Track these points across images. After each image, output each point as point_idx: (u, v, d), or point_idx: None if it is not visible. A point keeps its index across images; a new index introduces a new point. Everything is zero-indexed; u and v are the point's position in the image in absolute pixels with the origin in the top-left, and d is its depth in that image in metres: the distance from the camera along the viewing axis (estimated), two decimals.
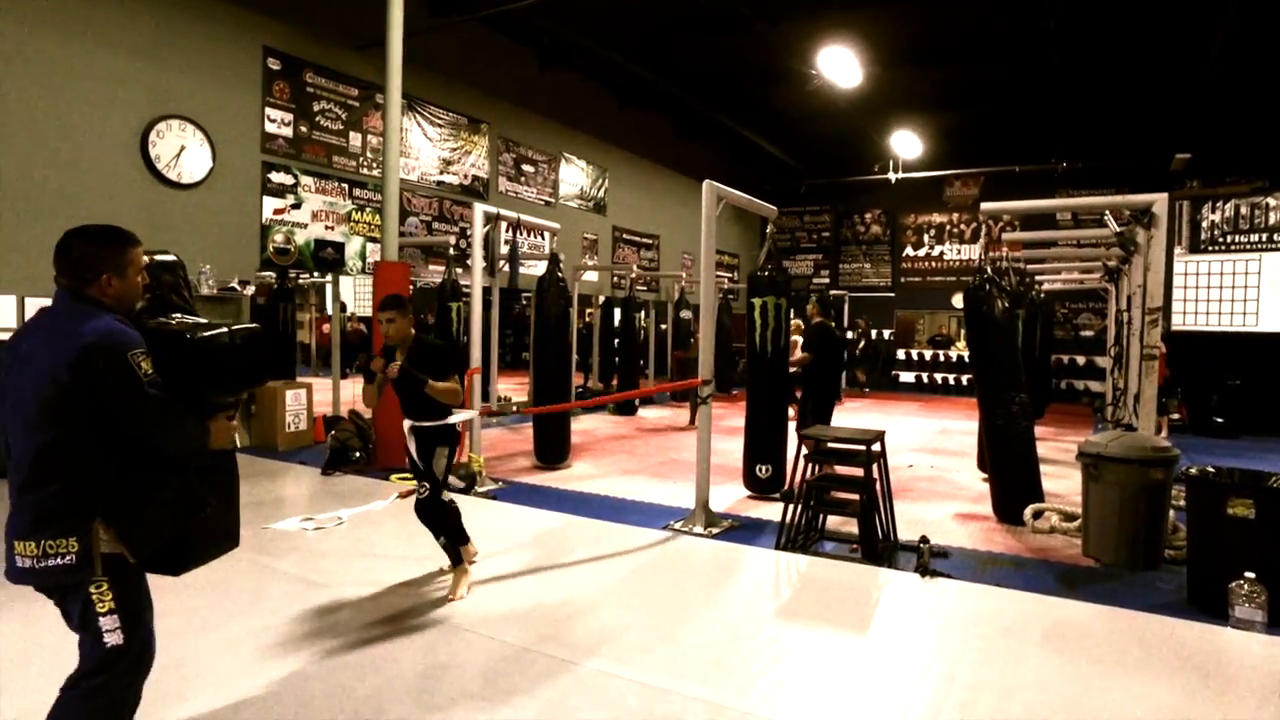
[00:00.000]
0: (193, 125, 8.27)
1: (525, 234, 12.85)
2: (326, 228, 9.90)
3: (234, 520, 2.53)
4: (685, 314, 14.61)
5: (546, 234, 13.13)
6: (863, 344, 17.93)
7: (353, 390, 8.45)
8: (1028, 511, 5.68)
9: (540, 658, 3.36)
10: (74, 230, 2.19)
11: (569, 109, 13.86)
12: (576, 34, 11.86)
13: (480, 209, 7.06)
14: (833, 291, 18.72)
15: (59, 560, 2.08)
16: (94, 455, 2.10)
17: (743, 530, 5.67)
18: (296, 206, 9.52)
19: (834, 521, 5.44)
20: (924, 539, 4.73)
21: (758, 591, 4.32)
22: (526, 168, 13.12)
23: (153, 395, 2.08)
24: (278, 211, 9.29)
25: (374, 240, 10.30)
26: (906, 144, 15.82)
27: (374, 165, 10.42)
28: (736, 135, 16.11)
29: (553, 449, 7.96)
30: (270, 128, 9.14)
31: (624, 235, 15.79)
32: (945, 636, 3.68)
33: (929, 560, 4.59)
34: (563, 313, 7.94)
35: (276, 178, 9.25)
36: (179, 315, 2.35)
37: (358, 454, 7.58)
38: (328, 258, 9.95)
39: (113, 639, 2.11)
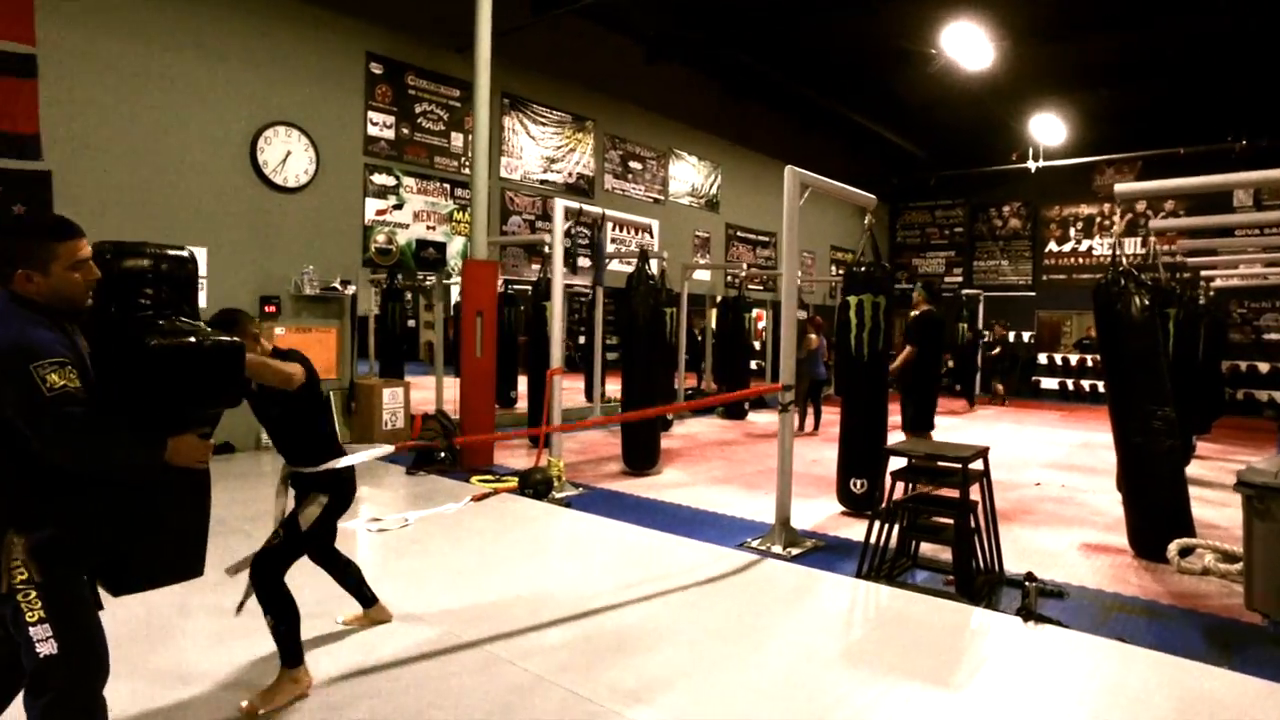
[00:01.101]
0: (298, 131, 8.51)
1: (632, 232, 12.64)
2: (428, 228, 9.99)
3: (193, 546, 2.30)
4: (801, 314, 13.93)
5: (653, 232, 12.85)
6: (998, 349, 16.51)
7: (454, 390, 8.45)
8: (1173, 547, 4.77)
9: (571, 699, 3.00)
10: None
11: (678, 103, 13.49)
12: (683, 25, 11.48)
13: (561, 204, 6.82)
14: (966, 291, 17.41)
15: None
16: (7, 466, 1.95)
17: (827, 552, 5.11)
18: (398, 207, 9.66)
19: (931, 548, 4.80)
20: (1029, 576, 4.03)
21: (828, 627, 3.78)
22: (634, 164, 12.87)
23: (57, 411, 1.88)
24: (380, 212, 9.45)
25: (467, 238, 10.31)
26: (1048, 128, 14.42)
27: (476, 165, 10.43)
28: (857, 126, 15.22)
29: (641, 454, 7.63)
30: (373, 130, 9.31)
31: (738, 233, 15.26)
32: (1043, 704, 3.03)
33: (1036, 601, 3.90)
34: (653, 312, 7.57)
35: (378, 179, 9.41)
36: (166, 320, 2.13)
37: (443, 454, 7.53)
38: (429, 258, 10.06)
39: (45, 648, 1.97)
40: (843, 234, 18.02)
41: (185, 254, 2.29)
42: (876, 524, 4.50)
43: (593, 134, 12.09)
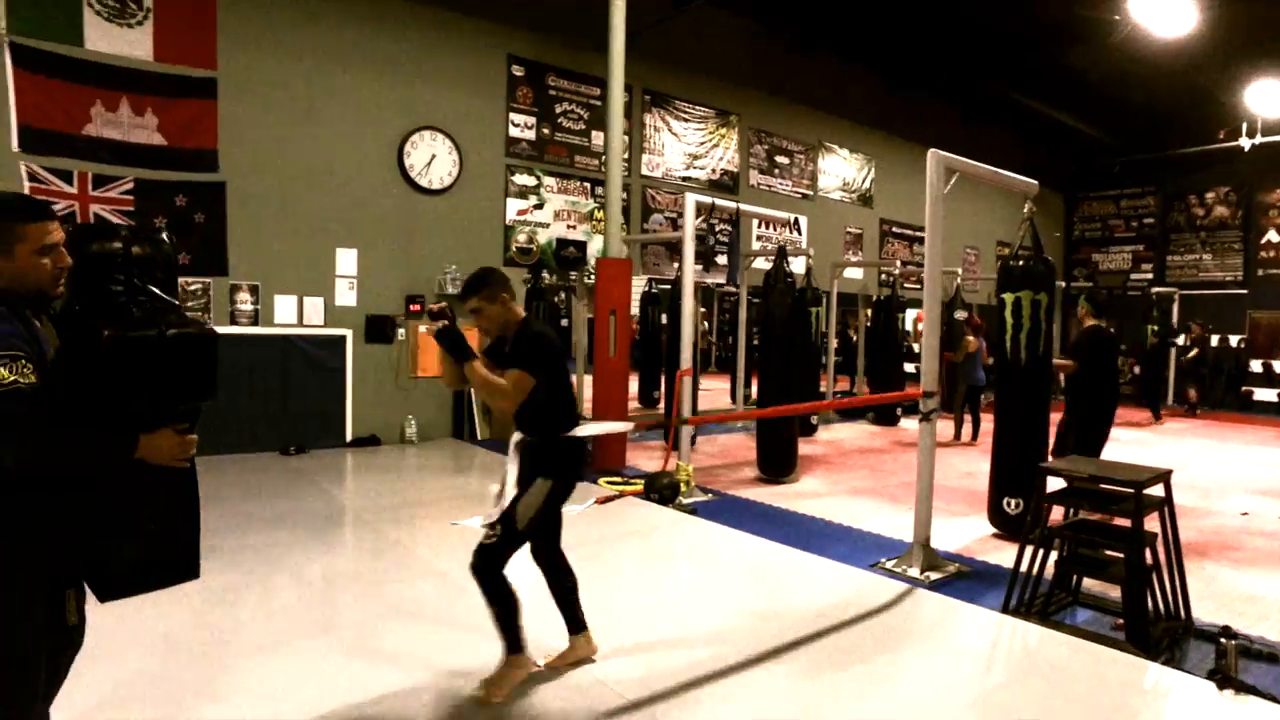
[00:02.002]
0: (442, 134, 8.79)
1: (778, 228, 12.20)
2: (568, 227, 10.07)
3: (183, 547, 2.10)
4: (960, 314, 12.92)
5: (800, 228, 12.35)
6: (1194, 351, 14.58)
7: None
8: None
9: None
10: None
11: (828, 95, 12.88)
12: (833, 12, 10.92)
13: (691, 199, 6.58)
14: (1156, 290, 15.55)
15: None
16: None
17: (971, 579, 4.56)
18: (539, 207, 9.78)
19: (1099, 584, 4.15)
20: (1227, 630, 3.35)
21: (963, 670, 3.31)
22: (780, 159, 12.42)
23: (1, 409, 1.71)
24: (520, 212, 9.61)
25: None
26: (1268, 98, 12.55)
27: None
28: (1027, 111, 13.91)
29: (776, 461, 7.26)
30: (514, 132, 9.47)
31: (893, 229, 14.41)
32: None
33: (1236, 663, 3.22)
34: (791, 311, 7.18)
35: (519, 180, 9.57)
36: (138, 307, 1.95)
37: None
38: (570, 256, 10.13)
39: None
40: (1011, 228, 16.59)
41: (162, 235, 2.14)
42: (1029, 551, 3.94)
43: (737, 129, 11.77)
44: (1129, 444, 9.64)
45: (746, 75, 11.69)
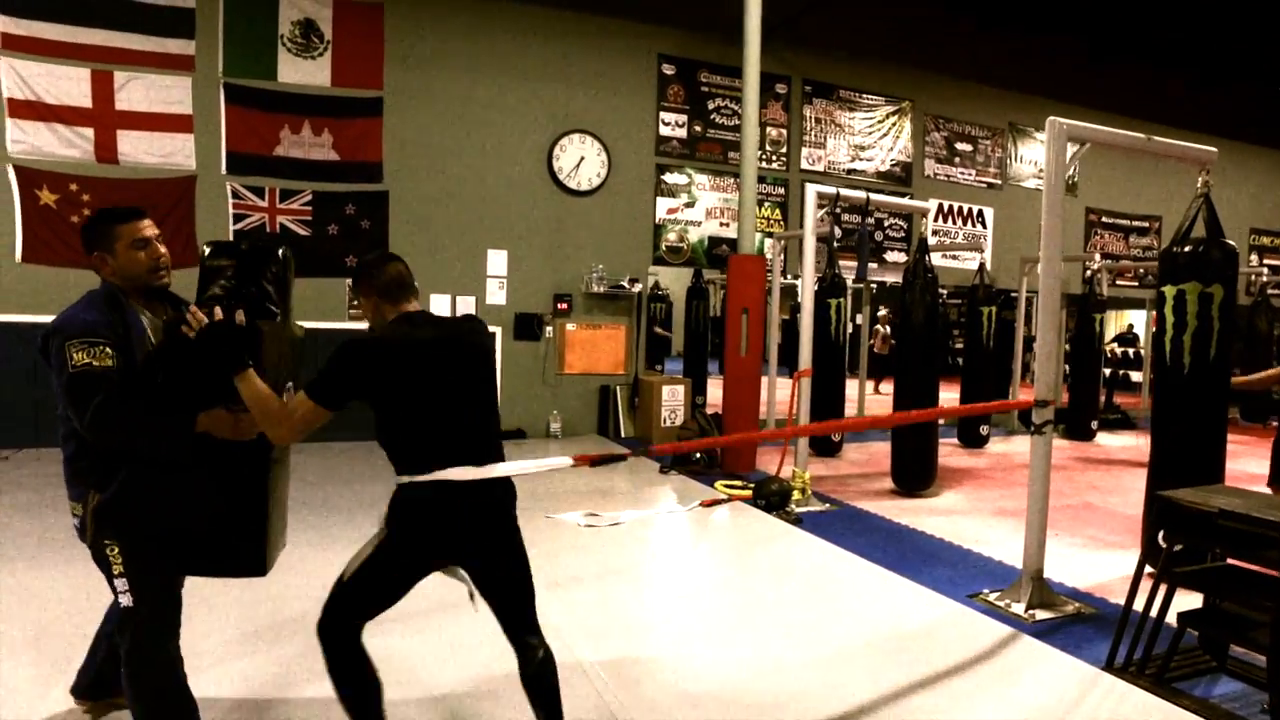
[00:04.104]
0: (591, 137, 9.01)
1: (958, 222, 11.25)
2: (721, 224, 9.92)
3: (249, 541, 2.35)
4: None
5: (985, 221, 11.31)
6: None
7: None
8: None
9: None
10: None
11: (1019, 71, 11.59)
12: None
13: (813, 190, 6.22)
14: None
15: (75, 522, 2.23)
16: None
17: (1090, 624, 3.90)
18: (690, 205, 9.72)
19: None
20: None
21: None
22: (961, 146, 11.40)
23: (74, 386, 2.05)
24: (670, 211, 9.61)
25: (770, 235, 10.00)
26: None
27: (772, 158, 10.12)
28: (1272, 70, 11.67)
29: (910, 472, 6.69)
30: (664, 131, 9.49)
31: (1102, 219, 12.72)
32: None
33: None
34: (931, 311, 6.57)
35: (670, 178, 9.57)
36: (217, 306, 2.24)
37: (699, 454, 7.38)
38: (722, 254, 9.97)
39: (125, 600, 2.18)
40: (1271, 213, 14.08)
41: (279, 252, 2.44)
42: (1144, 597, 3.29)
43: (909, 116, 10.96)
44: None
45: (921, 57, 10.83)
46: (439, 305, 8.45)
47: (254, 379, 2.12)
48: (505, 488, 2.31)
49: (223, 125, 7.62)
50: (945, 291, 15.70)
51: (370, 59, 8.07)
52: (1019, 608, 4.01)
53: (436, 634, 3.39)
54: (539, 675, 2.27)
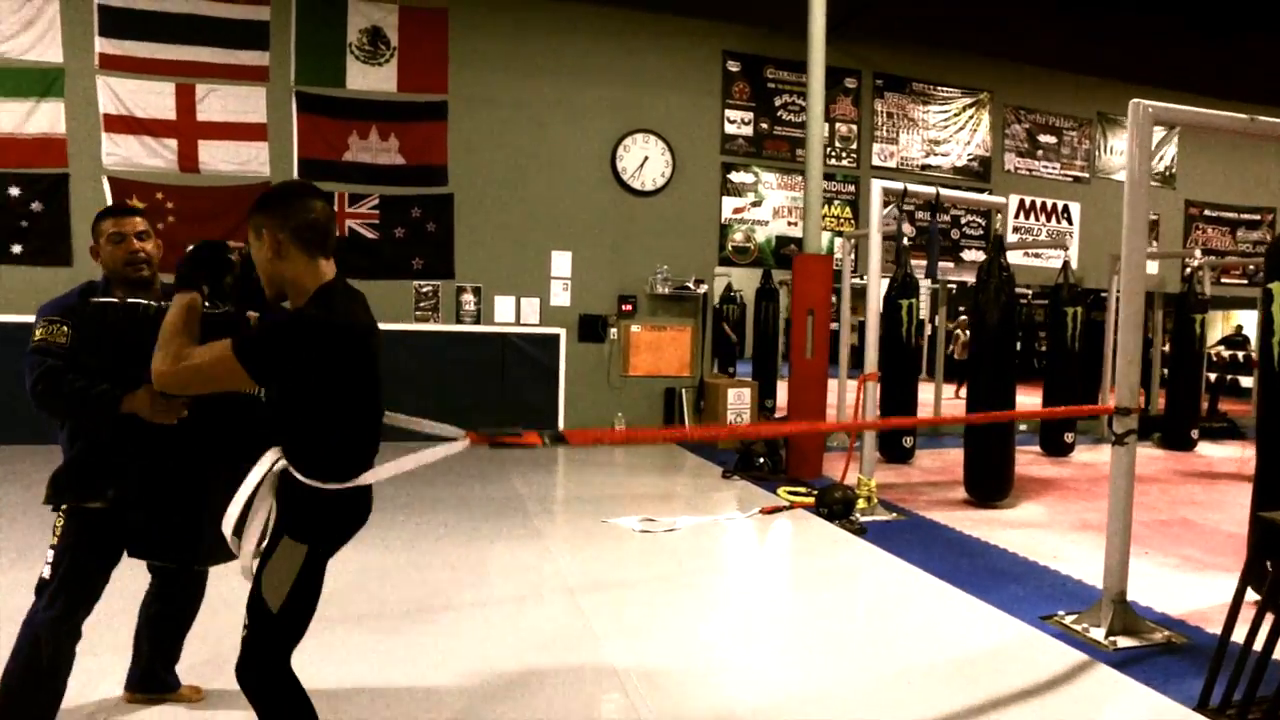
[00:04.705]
0: (655, 136, 8.92)
1: (1042, 218, 10.72)
2: (789, 223, 9.69)
3: (182, 530, 2.37)
4: None
5: (1070, 216, 10.75)
6: None
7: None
8: None
9: None
10: None
11: (1112, 55, 10.91)
12: None
13: (878, 185, 5.96)
14: None
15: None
16: None
17: (1181, 656, 3.55)
18: (757, 204, 9.53)
19: None
20: None
21: None
22: (1045, 138, 10.83)
23: (32, 357, 2.24)
24: (736, 210, 9.43)
25: (840, 234, 9.72)
26: None
27: (842, 155, 9.83)
28: None
29: (985, 482, 6.35)
30: (730, 129, 9.32)
31: (1204, 211, 11.90)
32: None
33: None
34: (1006, 312, 6.22)
35: (736, 177, 9.40)
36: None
37: (762, 460, 7.19)
38: (790, 254, 9.73)
39: (45, 570, 2.29)
40: None
41: (231, 254, 2.43)
42: (1246, 627, 2.98)
43: (988, 108, 10.48)
44: None
45: (999, 45, 10.32)
46: (503, 307, 8.51)
47: (184, 304, 1.87)
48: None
49: (294, 133, 7.85)
50: (1031, 291, 15.00)
51: (435, 63, 8.18)
52: (1098, 633, 3.70)
53: (434, 631, 3.35)
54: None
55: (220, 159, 7.68)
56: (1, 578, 3.87)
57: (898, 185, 6.06)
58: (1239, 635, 3.01)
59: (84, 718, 2.60)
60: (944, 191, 6.13)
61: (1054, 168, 10.86)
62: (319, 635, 3.18)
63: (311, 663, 3.09)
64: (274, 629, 1.89)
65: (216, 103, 7.64)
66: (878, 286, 6.06)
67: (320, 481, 1.85)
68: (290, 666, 1.94)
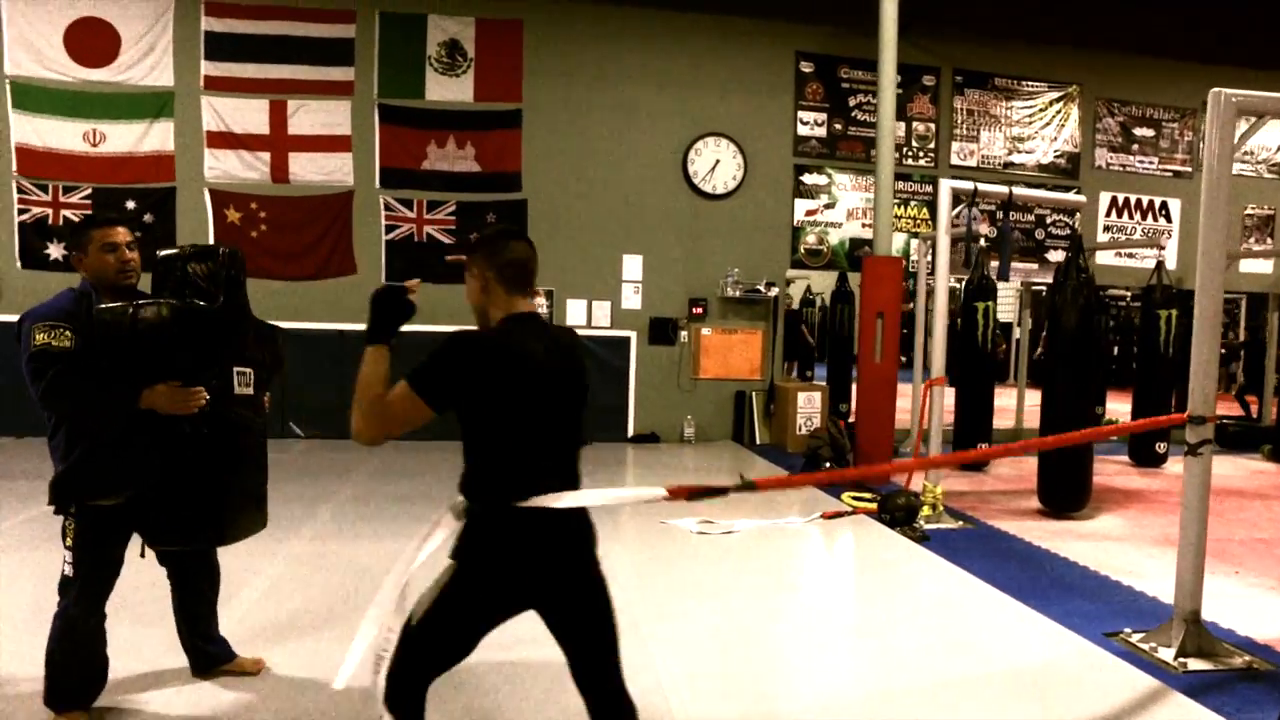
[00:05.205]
0: (726, 139, 8.93)
1: (1138, 217, 10.22)
2: (864, 225, 9.51)
3: (205, 511, 2.50)
4: None
5: (1170, 214, 10.21)
6: None
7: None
8: None
9: None
10: None
11: (1218, 39, 10.25)
12: None
13: (946, 184, 5.83)
14: None
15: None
16: None
17: (1259, 683, 3.35)
18: (830, 206, 9.41)
19: None
20: None
21: None
22: (1141, 131, 10.28)
23: (32, 363, 2.31)
24: (809, 213, 9.34)
25: (916, 235, 9.50)
26: None
27: (919, 154, 9.59)
28: None
29: (1059, 492, 6.12)
30: (803, 130, 9.23)
31: None
32: None
33: None
34: (1085, 314, 5.97)
35: (809, 179, 9.30)
36: (162, 298, 2.52)
37: (828, 463, 7.12)
38: (864, 256, 9.57)
39: (67, 570, 2.46)
40: None
41: (219, 255, 2.62)
42: None
43: (1077, 101, 10.03)
44: None
45: (1089, 34, 9.86)
46: (575, 310, 8.69)
47: (382, 360, 1.87)
48: (587, 523, 2.00)
49: (376, 143, 8.24)
50: (1130, 294, 14.19)
51: (509, 73, 8.43)
52: (1166, 654, 3.53)
53: None
54: None
55: (309, 169, 8.13)
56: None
57: (968, 185, 5.90)
58: None
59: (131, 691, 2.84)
60: (1018, 190, 5.92)
61: (1151, 162, 10.30)
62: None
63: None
64: (408, 643, 1.86)
65: (306, 117, 8.10)
66: (945, 288, 5.92)
67: (476, 501, 1.88)
68: (423, 695, 1.90)
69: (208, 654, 2.88)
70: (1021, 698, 3.09)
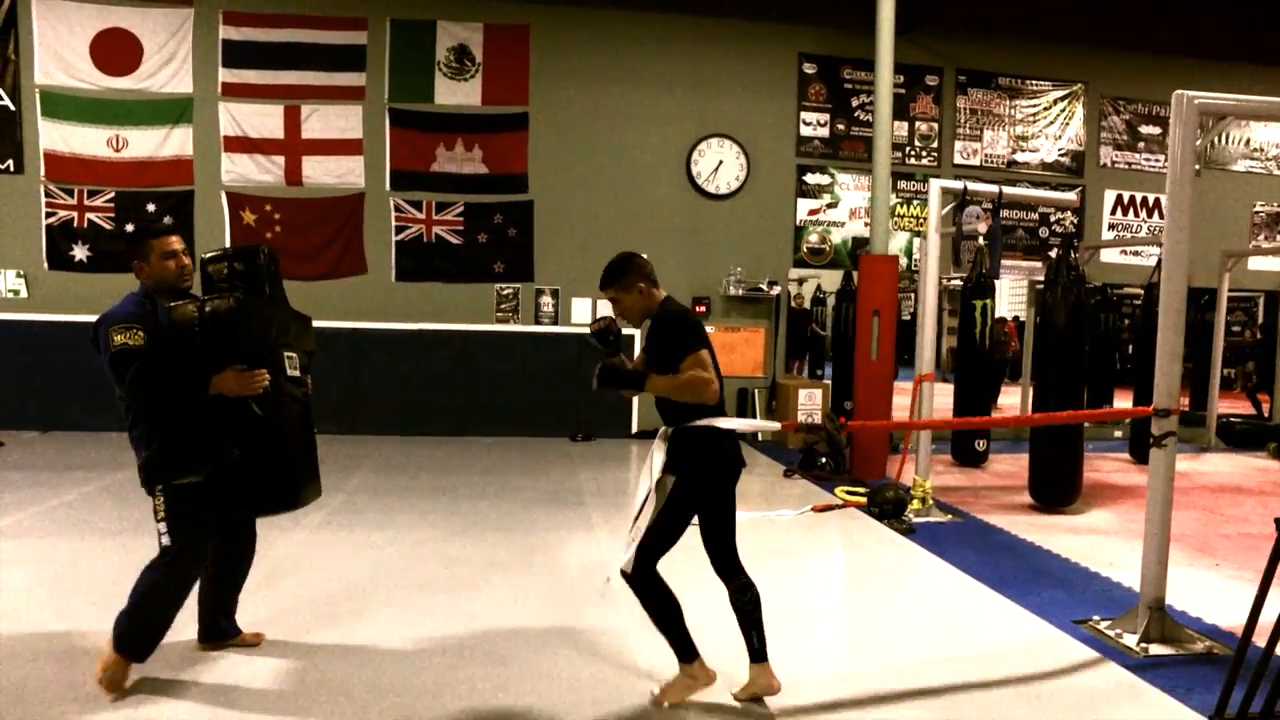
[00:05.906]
0: (729, 140, 9.07)
1: (1144, 214, 10.23)
2: (865, 224, 9.60)
3: (276, 480, 2.77)
4: None
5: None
6: None
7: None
8: None
9: None
10: None
11: (1223, 37, 10.23)
12: None
13: (937, 184, 5.94)
14: None
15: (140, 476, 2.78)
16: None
17: (1214, 665, 3.46)
18: (832, 205, 9.52)
19: None
20: None
21: None
22: (1147, 129, 10.29)
23: (116, 362, 2.57)
24: (812, 212, 9.46)
25: (919, 234, 9.58)
26: None
27: (922, 154, 9.68)
28: None
29: (1049, 487, 6.22)
30: (805, 131, 9.35)
31: None
32: None
33: None
34: (1074, 313, 6.06)
35: (812, 179, 9.42)
36: (212, 296, 2.75)
37: (824, 460, 7.25)
38: (862, 254, 9.69)
39: (164, 540, 2.72)
40: None
41: (260, 255, 2.87)
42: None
43: (1082, 99, 10.06)
44: None
45: (1097, 32, 9.87)
46: (582, 308, 8.87)
47: (657, 382, 2.72)
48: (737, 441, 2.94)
49: (387, 146, 8.47)
50: (1143, 292, 14.14)
51: (516, 77, 8.63)
52: (1129, 639, 3.65)
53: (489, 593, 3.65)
54: (740, 604, 2.92)
55: (321, 172, 8.38)
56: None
57: (957, 184, 6.02)
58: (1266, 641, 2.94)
59: (173, 661, 3.06)
60: (1010, 190, 6.02)
61: (1157, 160, 10.30)
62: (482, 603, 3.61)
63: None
64: (645, 547, 2.78)
65: (319, 122, 8.35)
66: (934, 286, 6.03)
67: (693, 421, 2.73)
68: (656, 569, 2.82)
69: (220, 628, 3.11)
70: (985, 675, 3.22)
